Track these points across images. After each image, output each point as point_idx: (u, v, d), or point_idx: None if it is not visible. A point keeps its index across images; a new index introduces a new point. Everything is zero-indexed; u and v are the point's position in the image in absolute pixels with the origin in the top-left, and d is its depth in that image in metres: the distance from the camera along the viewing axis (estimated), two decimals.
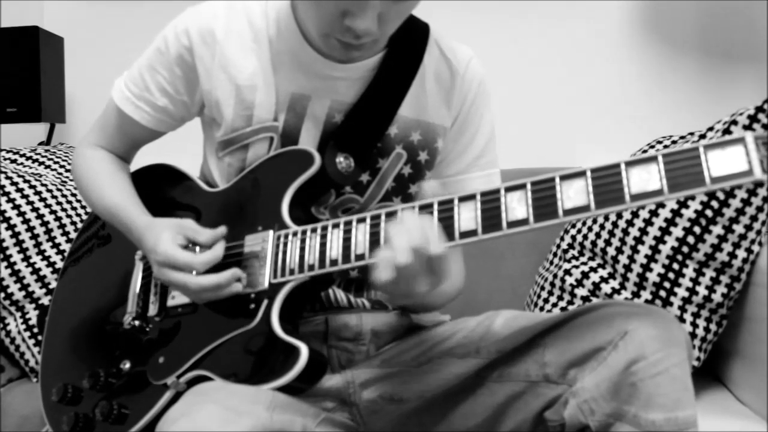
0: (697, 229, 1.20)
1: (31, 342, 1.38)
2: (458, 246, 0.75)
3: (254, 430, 0.70)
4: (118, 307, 1.00)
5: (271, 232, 0.89)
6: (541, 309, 1.39)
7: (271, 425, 0.72)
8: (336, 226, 0.84)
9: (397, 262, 0.72)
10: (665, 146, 1.43)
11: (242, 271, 0.88)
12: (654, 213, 1.24)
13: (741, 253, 1.19)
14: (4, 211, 1.40)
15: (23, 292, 1.39)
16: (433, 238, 0.72)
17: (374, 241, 0.80)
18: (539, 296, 1.42)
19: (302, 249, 0.84)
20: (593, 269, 1.34)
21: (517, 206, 0.72)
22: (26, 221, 1.42)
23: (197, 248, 0.89)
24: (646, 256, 1.24)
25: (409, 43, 0.97)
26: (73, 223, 1.49)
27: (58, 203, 1.48)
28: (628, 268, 1.27)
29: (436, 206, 0.77)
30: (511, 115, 1.53)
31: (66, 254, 1.16)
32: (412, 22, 0.98)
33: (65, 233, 1.46)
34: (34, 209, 1.44)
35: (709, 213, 1.19)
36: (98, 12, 2.09)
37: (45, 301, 1.39)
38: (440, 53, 1.00)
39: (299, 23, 0.93)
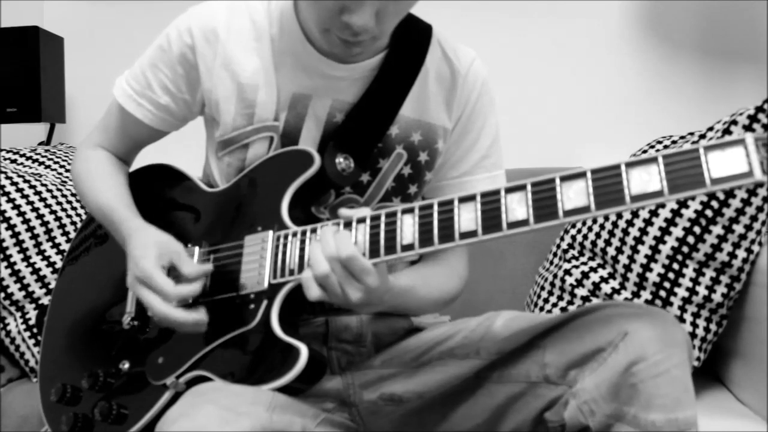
0: (697, 229, 1.20)
1: (31, 342, 1.38)
2: (399, 258, 0.78)
3: (253, 431, 0.70)
4: (116, 306, 0.99)
5: (270, 232, 0.89)
6: (541, 309, 1.39)
7: (271, 426, 0.72)
8: (336, 226, 0.83)
9: (316, 274, 0.77)
10: (665, 146, 1.43)
11: (240, 273, 0.88)
12: (654, 213, 1.24)
13: (741, 253, 1.19)
14: (4, 211, 1.40)
15: (23, 292, 1.39)
16: (342, 244, 0.77)
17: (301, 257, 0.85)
18: (539, 296, 1.42)
19: (302, 249, 0.84)
20: (593, 269, 1.34)
21: (517, 207, 0.72)
22: (26, 221, 1.42)
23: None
24: (646, 256, 1.24)
25: (412, 43, 0.97)
26: (73, 223, 1.49)
27: (58, 203, 1.48)
28: (628, 268, 1.27)
29: (436, 207, 0.77)
30: (511, 115, 1.52)
31: (65, 254, 1.16)
32: (414, 23, 0.98)
33: (65, 233, 1.46)
34: (34, 209, 1.44)
35: (709, 213, 1.18)
36: (98, 12, 2.09)
37: (45, 301, 1.39)
38: (442, 54, 1.00)
39: (301, 23, 0.93)
